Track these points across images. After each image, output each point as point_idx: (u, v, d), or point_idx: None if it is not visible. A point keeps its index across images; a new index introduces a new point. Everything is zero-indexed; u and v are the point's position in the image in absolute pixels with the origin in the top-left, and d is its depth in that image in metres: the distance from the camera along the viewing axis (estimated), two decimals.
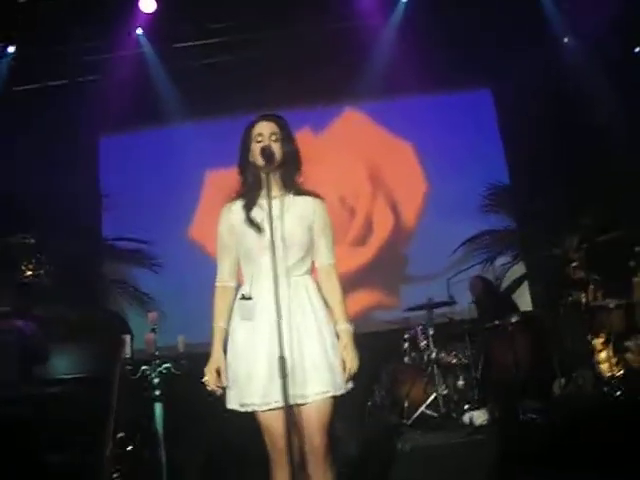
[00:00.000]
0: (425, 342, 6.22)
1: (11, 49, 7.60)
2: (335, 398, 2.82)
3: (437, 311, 6.46)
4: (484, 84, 8.64)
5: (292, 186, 2.97)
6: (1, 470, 4.49)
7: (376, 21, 7.69)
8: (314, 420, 2.77)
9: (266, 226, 2.77)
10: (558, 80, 7.62)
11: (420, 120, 8.39)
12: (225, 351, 2.91)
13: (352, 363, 2.83)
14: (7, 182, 7.18)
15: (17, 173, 7.21)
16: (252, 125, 2.97)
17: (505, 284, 7.94)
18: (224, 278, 3.01)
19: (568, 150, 7.51)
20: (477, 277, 7.28)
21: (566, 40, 7.87)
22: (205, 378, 2.87)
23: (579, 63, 7.60)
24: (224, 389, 2.88)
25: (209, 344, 2.95)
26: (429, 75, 7.67)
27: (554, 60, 7.73)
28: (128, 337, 5.22)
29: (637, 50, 7.63)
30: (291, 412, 2.60)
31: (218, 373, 2.85)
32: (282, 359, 2.58)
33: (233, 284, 3.01)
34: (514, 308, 6.94)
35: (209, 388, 2.88)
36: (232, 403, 2.87)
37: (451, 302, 6.42)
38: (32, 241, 6.64)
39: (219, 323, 2.95)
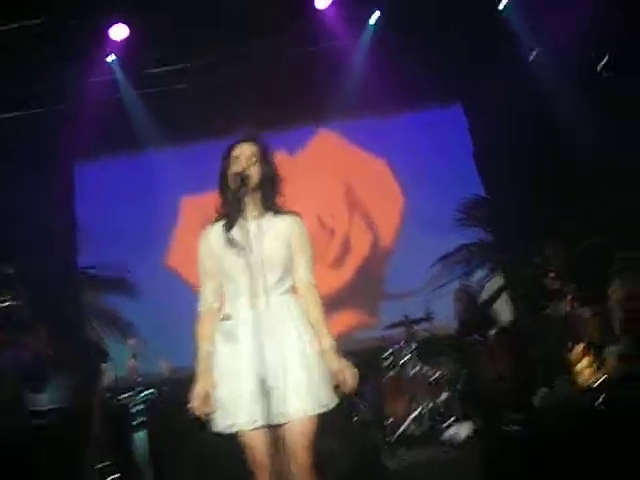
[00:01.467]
0: (407, 357, 6.25)
1: None
2: (320, 416, 2.81)
3: (419, 327, 6.50)
4: (455, 99, 8.74)
5: (271, 207, 2.99)
6: None
7: (346, 42, 7.74)
8: (297, 438, 2.76)
9: (244, 247, 2.77)
10: (526, 93, 7.72)
11: (394, 137, 8.47)
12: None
13: (353, 372, 2.83)
14: None
15: None
16: (231, 148, 2.99)
17: (484, 296, 7.96)
18: (208, 301, 3.00)
19: (541, 160, 7.57)
20: (462, 289, 7.31)
21: (532, 56, 8.00)
22: (191, 404, 2.82)
23: (545, 77, 7.72)
24: (209, 415, 2.82)
25: (190, 368, 2.92)
26: (400, 93, 7.77)
27: (521, 74, 7.84)
28: (107, 366, 5.19)
29: (602, 63, 7.76)
30: (274, 431, 2.59)
31: (205, 398, 2.81)
32: (263, 380, 2.59)
33: (217, 305, 2.99)
34: (494, 321, 6.98)
35: (196, 414, 2.83)
36: (218, 426, 2.83)
37: (428, 318, 6.45)
38: (10, 271, 6.57)
39: (205, 346, 2.91)
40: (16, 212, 7.18)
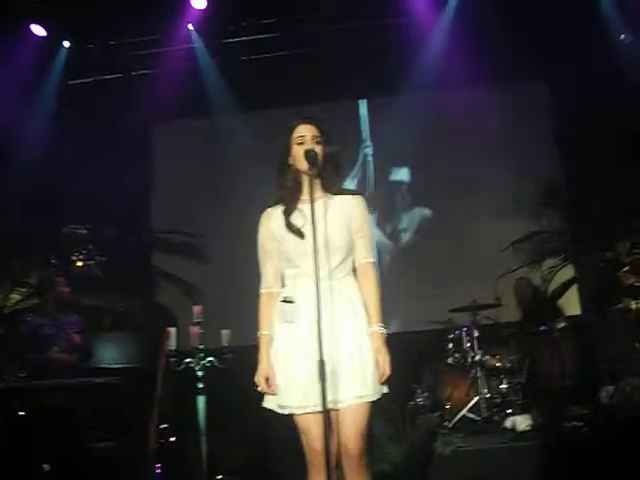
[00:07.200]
0: (469, 344, 6.16)
1: (66, 44, 7.80)
2: (372, 403, 2.79)
3: (484, 313, 6.40)
4: (539, 79, 8.45)
5: (332, 188, 2.96)
6: (46, 456, 4.64)
7: (428, 18, 7.67)
8: (349, 424, 2.75)
9: (308, 230, 2.75)
10: (617, 78, 7.40)
11: (471, 116, 8.27)
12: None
13: (385, 366, 2.79)
14: (61, 174, 7.34)
15: (71, 165, 7.34)
16: (293, 128, 2.96)
17: (552, 287, 7.75)
18: (269, 284, 3.00)
19: (626, 151, 7.29)
20: (522, 279, 7.17)
21: (622, 37, 7.66)
22: (259, 388, 2.88)
23: (636, 61, 7.40)
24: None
25: (251, 339, 2.95)
26: (482, 69, 7.53)
27: (611, 58, 7.52)
28: (174, 330, 5.28)
29: None
30: (329, 416, 2.59)
31: (267, 381, 2.85)
32: (321, 362, 2.56)
33: (277, 289, 2.98)
34: (559, 313, 6.82)
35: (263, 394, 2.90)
36: (269, 403, 2.88)
37: (497, 305, 6.33)
38: (84, 232, 6.77)
39: (265, 331, 2.94)
40: (91, 173, 7.38)
